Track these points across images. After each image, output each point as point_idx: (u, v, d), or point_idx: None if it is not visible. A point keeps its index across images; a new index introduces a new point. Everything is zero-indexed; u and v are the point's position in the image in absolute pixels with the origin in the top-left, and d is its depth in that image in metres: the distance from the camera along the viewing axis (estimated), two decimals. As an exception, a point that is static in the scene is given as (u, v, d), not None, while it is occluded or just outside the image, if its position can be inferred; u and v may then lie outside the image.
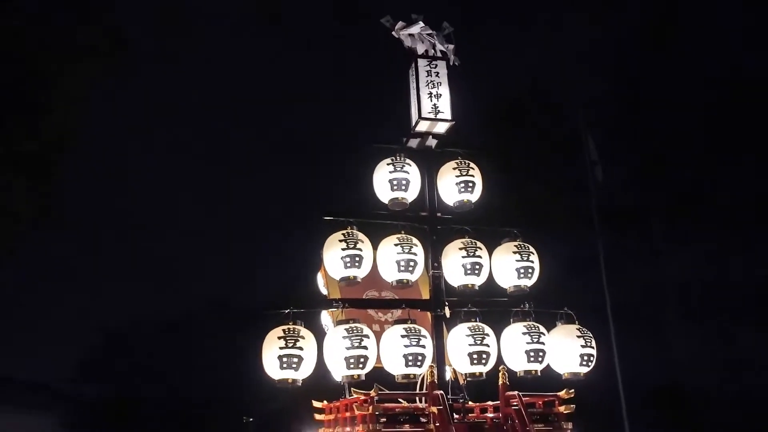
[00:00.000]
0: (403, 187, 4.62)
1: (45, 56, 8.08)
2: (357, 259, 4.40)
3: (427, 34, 4.97)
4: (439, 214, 4.80)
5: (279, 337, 4.04)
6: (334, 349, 4.12)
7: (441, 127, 4.81)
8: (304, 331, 4.12)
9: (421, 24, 5.03)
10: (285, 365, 4.01)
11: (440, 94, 4.81)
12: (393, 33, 5.02)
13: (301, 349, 4.03)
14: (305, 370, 4.08)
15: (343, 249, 4.39)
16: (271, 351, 4.04)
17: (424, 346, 4.18)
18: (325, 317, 5.11)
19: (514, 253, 4.61)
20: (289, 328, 4.08)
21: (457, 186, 4.76)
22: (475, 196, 4.81)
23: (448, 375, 4.61)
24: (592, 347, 4.41)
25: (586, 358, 4.35)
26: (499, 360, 4.38)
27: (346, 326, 4.16)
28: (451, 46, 5.02)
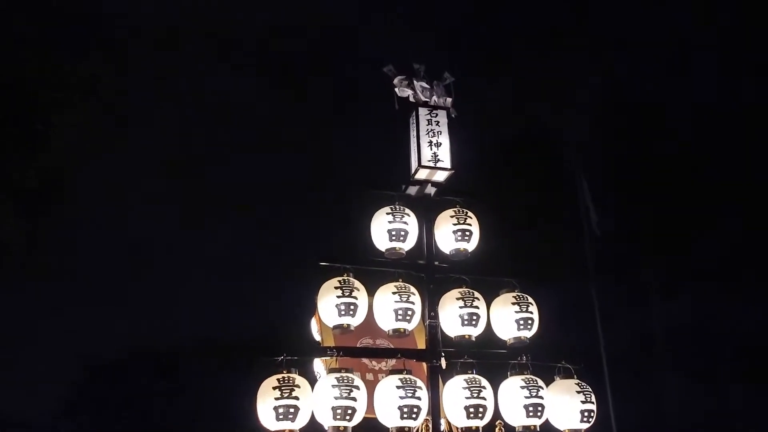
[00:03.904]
0: (402, 238, 4.60)
1: (45, 90, 8.15)
2: (352, 307, 4.35)
3: (428, 84, 5.04)
4: (436, 263, 4.76)
5: (274, 387, 3.95)
6: (323, 398, 4.01)
7: (440, 176, 4.83)
8: (299, 380, 4.03)
9: (423, 73, 5.12)
10: (281, 416, 3.91)
11: (440, 143, 4.84)
12: (394, 82, 5.09)
13: (296, 398, 3.94)
14: (302, 420, 3.98)
15: (338, 296, 4.34)
16: (266, 401, 3.94)
17: (419, 398, 4.08)
18: (318, 365, 5.01)
19: (513, 303, 4.56)
20: (284, 377, 3.99)
21: (454, 234, 4.73)
22: (472, 245, 4.79)
23: (443, 428, 4.50)
24: (593, 402, 4.32)
25: (586, 414, 4.25)
26: (496, 414, 4.30)
27: (337, 375, 4.06)
28: (450, 99, 5.09)
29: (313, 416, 4.06)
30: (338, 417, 3.94)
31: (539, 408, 4.20)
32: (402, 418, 4.03)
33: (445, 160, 4.82)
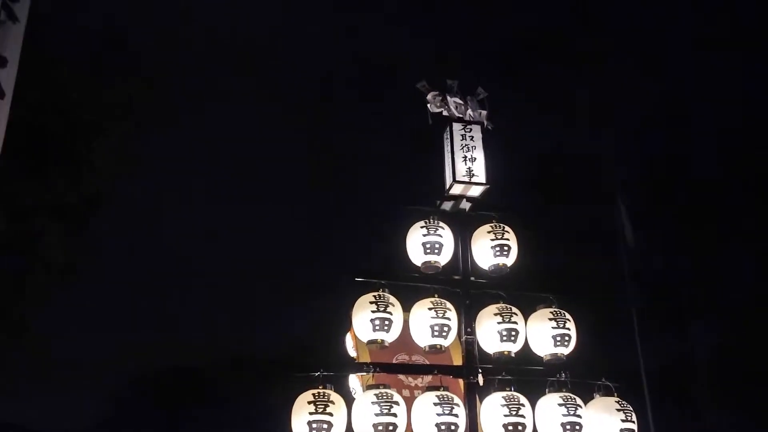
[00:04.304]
0: (437, 251, 4.58)
1: (85, 109, 8.40)
2: (387, 322, 4.33)
3: (462, 99, 5.05)
4: (473, 278, 4.73)
5: (309, 402, 3.95)
6: (363, 415, 4.00)
7: (475, 191, 4.80)
8: (334, 396, 4.03)
9: (456, 89, 5.13)
10: (315, 431, 3.90)
11: (475, 158, 4.83)
12: (428, 97, 5.11)
13: (330, 414, 3.93)
14: None
15: (373, 311, 4.33)
16: (301, 417, 3.95)
17: (457, 415, 4.04)
18: (353, 381, 5.01)
19: (550, 319, 4.49)
20: (319, 393, 3.99)
21: (492, 250, 4.69)
22: (510, 260, 4.73)
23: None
24: (633, 422, 4.22)
25: (626, 433, 4.15)
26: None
27: (376, 392, 4.05)
28: (485, 112, 5.09)
29: (346, 432, 4.05)
30: None
31: (577, 426, 4.11)
32: (439, 435, 3.98)
33: (480, 174, 4.80)
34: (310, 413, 3.93)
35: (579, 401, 4.20)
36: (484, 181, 4.78)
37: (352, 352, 5.14)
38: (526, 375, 4.47)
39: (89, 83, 8.37)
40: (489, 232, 4.74)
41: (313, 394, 3.99)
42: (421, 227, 4.62)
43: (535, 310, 4.63)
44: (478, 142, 4.89)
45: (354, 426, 4.05)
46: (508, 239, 4.73)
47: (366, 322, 4.32)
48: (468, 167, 4.78)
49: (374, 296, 4.37)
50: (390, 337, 4.34)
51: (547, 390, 4.30)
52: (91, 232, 9.25)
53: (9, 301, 8.08)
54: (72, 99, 8.26)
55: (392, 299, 4.40)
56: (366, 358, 4.77)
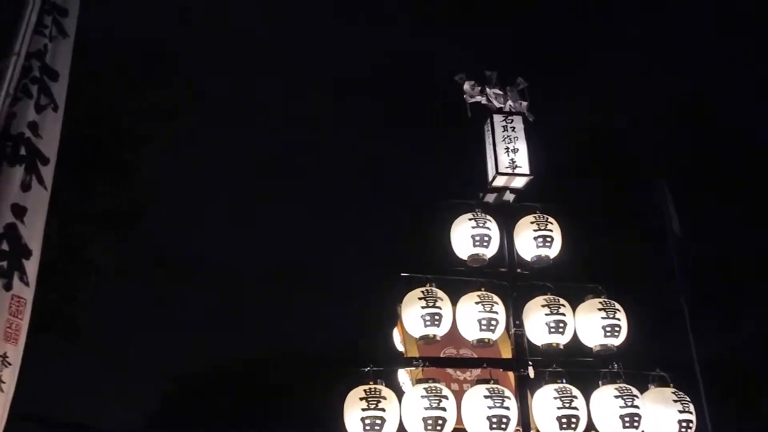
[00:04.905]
0: (485, 243, 4.56)
1: (129, 118, 8.62)
2: (437, 317, 4.33)
3: (502, 90, 5.01)
4: (518, 270, 4.69)
5: (360, 398, 3.98)
6: (412, 409, 4.01)
7: (519, 182, 4.77)
8: (385, 391, 4.05)
9: (495, 80, 5.09)
10: (368, 427, 3.93)
11: (517, 149, 4.80)
12: (465, 89, 5.08)
13: (383, 410, 3.96)
14: None
15: (423, 307, 4.33)
16: (353, 413, 3.98)
17: (508, 408, 4.02)
18: (402, 375, 5.02)
19: (599, 310, 4.42)
20: (370, 389, 4.02)
21: (535, 241, 4.65)
22: (553, 251, 4.69)
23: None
24: (691, 412, 4.13)
25: (685, 424, 4.06)
26: (589, 424, 4.16)
27: (425, 386, 4.06)
28: (525, 103, 5.04)
29: (399, 428, 4.07)
30: (429, 427, 3.92)
31: (636, 418, 4.04)
32: (491, 428, 3.97)
33: (523, 165, 4.77)
34: (363, 409, 3.96)
35: (635, 392, 4.13)
36: (527, 171, 4.74)
37: (400, 347, 5.15)
38: (578, 367, 4.42)
39: (131, 92, 8.57)
40: (532, 223, 4.70)
41: (365, 390, 4.02)
42: (470, 219, 4.60)
43: (583, 301, 4.57)
44: (520, 133, 4.85)
45: (403, 420, 4.07)
46: (551, 230, 4.68)
47: (416, 318, 4.33)
48: (511, 158, 4.75)
49: (422, 291, 4.37)
50: (441, 331, 4.34)
51: (600, 382, 4.24)
52: (138, 236, 9.48)
53: (63, 306, 8.34)
54: (116, 108, 8.48)
55: (440, 293, 4.40)
56: (414, 353, 4.78)
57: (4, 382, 3.37)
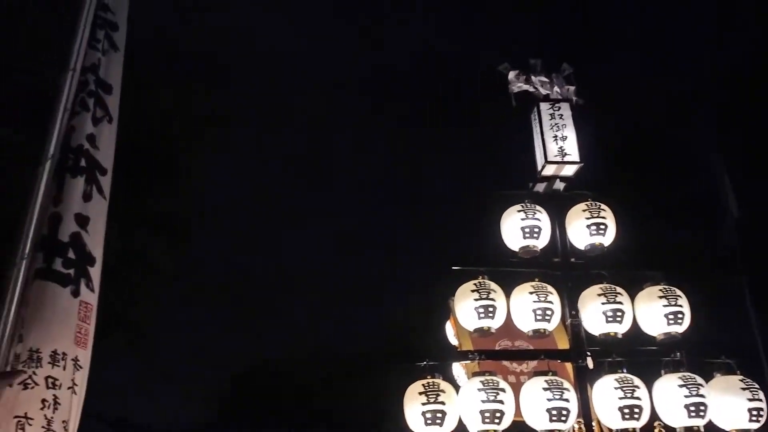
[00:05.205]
0: (535, 235, 4.50)
1: (180, 121, 8.87)
2: (491, 309, 4.30)
3: (547, 77, 4.93)
4: (572, 260, 4.62)
5: (420, 393, 4.00)
6: (469, 402, 4.00)
7: (569, 170, 4.70)
8: (444, 385, 4.05)
9: (539, 67, 5.01)
10: (429, 421, 3.94)
11: (566, 137, 4.72)
12: (510, 78, 5.03)
13: (443, 403, 3.96)
14: (449, 425, 3.99)
15: (476, 299, 4.31)
16: (413, 407, 4.00)
17: (567, 400, 3.96)
18: (457, 368, 5.02)
19: (660, 297, 4.32)
20: (429, 383, 4.03)
21: (588, 229, 4.57)
22: (607, 239, 4.59)
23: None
24: (761, 400, 3.99)
25: (755, 412, 3.93)
26: (652, 415, 4.07)
27: (482, 378, 4.03)
28: (573, 88, 4.95)
29: (460, 421, 4.06)
30: (487, 420, 3.91)
31: (701, 407, 3.93)
32: (551, 421, 3.92)
33: (573, 153, 4.69)
34: (423, 403, 3.97)
35: (700, 380, 4.02)
36: (577, 159, 4.67)
37: (454, 341, 5.14)
38: (638, 356, 4.32)
39: (181, 101, 8.80)
40: (584, 211, 4.61)
41: (423, 385, 4.03)
42: (518, 211, 4.56)
43: (641, 289, 4.46)
44: (568, 120, 4.77)
45: (461, 413, 4.06)
46: (604, 217, 4.59)
47: (470, 311, 4.31)
48: (560, 146, 4.68)
49: (475, 284, 4.35)
50: (495, 323, 4.32)
51: (663, 371, 4.14)
52: (193, 239, 9.74)
53: (125, 309, 8.65)
54: (166, 117, 8.72)
55: (493, 285, 4.37)
56: (468, 346, 4.77)
57: (76, 385, 3.52)
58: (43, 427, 3.29)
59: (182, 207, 8.96)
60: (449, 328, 5.25)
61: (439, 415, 3.95)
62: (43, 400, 3.33)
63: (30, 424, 3.26)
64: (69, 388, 3.48)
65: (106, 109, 4.24)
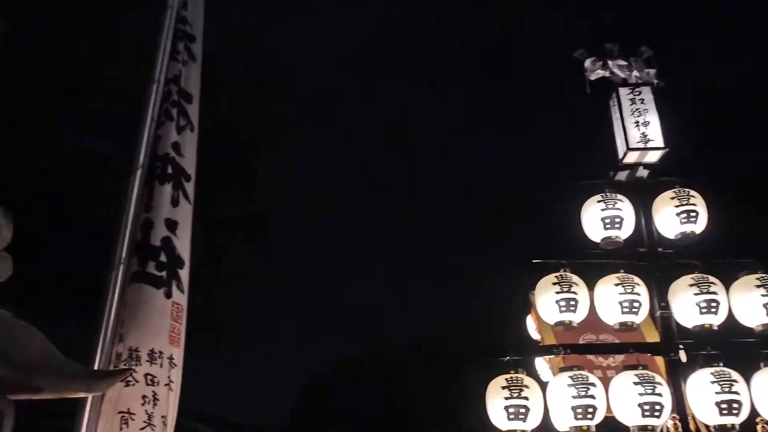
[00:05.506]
0: (617, 225, 4.35)
1: (250, 131, 9.11)
2: (572, 302, 4.20)
3: (626, 62, 4.76)
4: (660, 249, 4.43)
5: (503, 387, 3.96)
6: (559, 398, 3.92)
7: (652, 156, 4.52)
8: (527, 380, 4.00)
9: (617, 52, 4.84)
10: (512, 416, 3.90)
11: (648, 122, 4.54)
12: (586, 65, 4.88)
13: (526, 399, 3.91)
14: (533, 421, 3.93)
15: (557, 292, 4.22)
16: (496, 401, 3.96)
17: (660, 395, 3.82)
18: (540, 364, 4.92)
19: (758, 286, 4.08)
20: (512, 377, 3.99)
21: (678, 217, 4.37)
22: (699, 226, 4.38)
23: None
24: None
25: None
26: (753, 410, 3.86)
27: (570, 374, 3.95)
28: (653, 71, 4.75)
29: (544, 417, 3.99)
30: (579, 416, 3.82)
31: (807, 402, 3.69)
32: (644, 416, 3.79)
33: (656, 138, 4.50)
34: (506, 398, 3.93)
35: (805, 373, 3.77)
36: (662, 144, 4.48)
37: (536, 335, 5.05)
38: (735, 348, 4.10)
39: (250, 107, 9.04)
40: (673, 198, 4.42)
41: (506, 379, 3.99)
42: (598, 201, 4.43)
43: (736, 278, 4.23)
44: (650, 104, 4.59)
45: (550, 409, 3.98)
46: (695, 204, 4.39)
47: (551, 304, 4.22)
48: (642, 132, 4.51)
49: (556, 277, 4.26)
50: (577, 317, 4.21)
51: (762, 364, 3.92)
52: (269, 239, 10.00)
53: (208, 311, 8.97)
54: (238, 122, 8.99)
55: (575, 278, 4.26)
56: (551, 340, 4.67)
57: (173, 382, 3.67)
58: (144, 422, 3.44)
59: (257, 208, 9.20)
60: (530, 323, 5.16)
61: (522, 410, 3.89)
62: (144, 396, 3.49)
63: (133, 419, 3.42)
64: (166, 384, 3.62)
65: (188, 118, 4.40)
